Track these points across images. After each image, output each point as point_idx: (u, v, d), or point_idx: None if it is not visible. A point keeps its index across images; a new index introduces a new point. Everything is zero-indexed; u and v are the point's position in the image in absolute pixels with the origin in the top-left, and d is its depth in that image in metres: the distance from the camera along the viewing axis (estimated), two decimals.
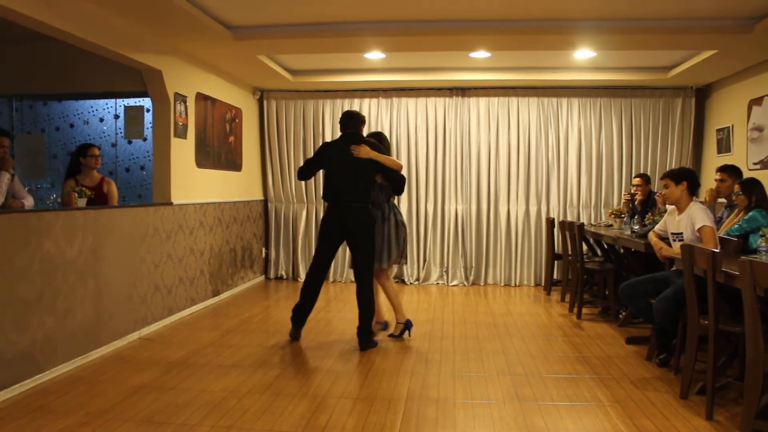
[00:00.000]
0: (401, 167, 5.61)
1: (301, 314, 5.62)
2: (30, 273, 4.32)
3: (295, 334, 5.66)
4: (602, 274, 6.92)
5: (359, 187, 5.45)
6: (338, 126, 5.75)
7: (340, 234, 5.53)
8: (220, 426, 3.63)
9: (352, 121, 5.62)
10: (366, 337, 5.40)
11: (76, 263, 4.83)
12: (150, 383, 4.40)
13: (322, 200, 5.59)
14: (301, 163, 5.99)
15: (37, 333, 4.37)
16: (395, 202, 5.92)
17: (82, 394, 4.16)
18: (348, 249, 5.66)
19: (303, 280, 5.71)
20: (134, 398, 4.08)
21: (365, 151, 5.41)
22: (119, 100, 8.09)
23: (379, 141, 5.74)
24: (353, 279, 8.43)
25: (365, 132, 5.81)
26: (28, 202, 5.30)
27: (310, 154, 9.01)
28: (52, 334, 4.54)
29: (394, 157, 5.63)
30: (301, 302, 5.59)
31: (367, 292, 5.45)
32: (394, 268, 5.96)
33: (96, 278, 5.08)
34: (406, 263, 6.51)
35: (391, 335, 5.77)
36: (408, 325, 5.76)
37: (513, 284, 8.89)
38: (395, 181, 5.62)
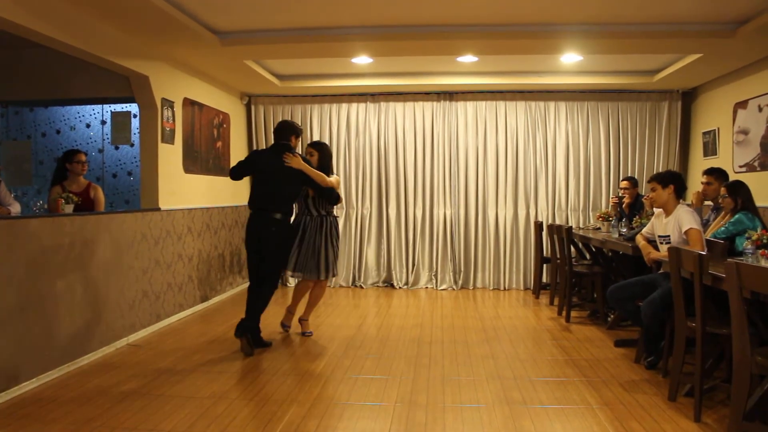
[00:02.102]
0: (330, 184, 5.59)
1: (249, 327, 5.38)
2: (16, 279, 4.29)
3: (250, 351, 5.33)
4: (590, 278, 6.95)
5: (283, 197, 5.48)
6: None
7: (259, 241, 5.47)
8: None
9: (284, 132, 5.63)
10: (242, 331, 5.30)
11: (63, 270, 4.79)
12: (138, 390, 4.37)
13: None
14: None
15: (24, 340, 4.34)
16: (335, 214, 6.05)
17: (69, 401, 4.13)
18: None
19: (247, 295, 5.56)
20: (122, 405, 4.05)
21: (297, 162, 5.46)
22: (106, 106, 8.06)
23: (320, 151, 5.85)
24: (341, 284, 8.44)
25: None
26: (15, 208, 5.27)
27: None
28: (40, 341, 4.50)
29: (333, 167, 5.63)
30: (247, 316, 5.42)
31: (266, 295, 5.46)
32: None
33: (83, 285, 5.05)
34: (333, 276, 6.04)
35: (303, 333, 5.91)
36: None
37: (502, 288, 8.90)
38: (325, 195, 5.68)
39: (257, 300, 5.39)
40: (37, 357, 4.49)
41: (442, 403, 4.14)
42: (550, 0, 5.28)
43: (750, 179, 5.93)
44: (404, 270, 9.06)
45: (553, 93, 8.84)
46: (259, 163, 5.58)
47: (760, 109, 6.70)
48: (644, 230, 5.24)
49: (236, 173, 5.67)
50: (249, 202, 5.60)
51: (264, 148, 6.42)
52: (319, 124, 9.05)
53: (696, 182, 7.69)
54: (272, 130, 9.03)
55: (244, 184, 9.04)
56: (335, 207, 5.69)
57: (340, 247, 5.72)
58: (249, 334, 5.31)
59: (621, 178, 8.30)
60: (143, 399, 4.18)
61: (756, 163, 6.78)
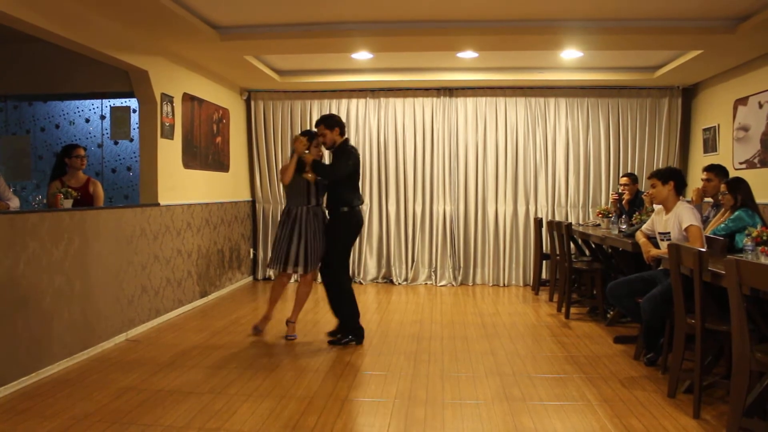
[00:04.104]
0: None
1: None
2: (15, 275, 4.28)
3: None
4: (590, 274, 6.94)
5: None
6: None
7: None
8: (207, 428, 3.61)
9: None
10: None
11: (62, 265, 4.79)
12: (137, 385, 4.37)
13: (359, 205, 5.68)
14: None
15: (22, 335, 4.34)
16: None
17: (68, 396, 4.13)
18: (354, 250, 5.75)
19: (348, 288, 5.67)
20: (121, 400, 4.05)
21: None
22: (105, 101, 8.04)
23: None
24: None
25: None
26: (14, 203, 5.26)
27: None
28: (38, 337, 4.50)
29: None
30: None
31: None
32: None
33: (82, 280, 5.04)
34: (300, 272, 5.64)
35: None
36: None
37: (501, 284, 8.90)
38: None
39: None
40: (36, 352, 4.48)
41: (441, 399, 4.14)
42: None
43: (750, 176, 5.92)
44: (404, 266, 9.06)
45: (553, 89, 8.83)
46: (358, 160, 5.72)
47: (761, 106, 6.70)
48: (644, 227, 5.23)
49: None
50: (353, 200, 5.58)
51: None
52: None
53: (696, 179, 7.68)
54: (285, 125, 9.08)
55: (243, 180, 9.03)
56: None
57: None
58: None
59: (621, 175, 8.29)
60: (142, 394, 4.18)
61: (756, 160, 6.78)
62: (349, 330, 5.57)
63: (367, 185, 9.05)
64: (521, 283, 8.91)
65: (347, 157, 5.57)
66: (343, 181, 5.55)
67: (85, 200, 5.64)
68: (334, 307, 5.66)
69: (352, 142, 8.91)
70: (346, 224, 5.56)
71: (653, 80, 8.23)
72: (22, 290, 4.35)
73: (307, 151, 5.58)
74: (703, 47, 6.51)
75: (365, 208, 9.00)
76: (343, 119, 8.89)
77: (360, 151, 8.86)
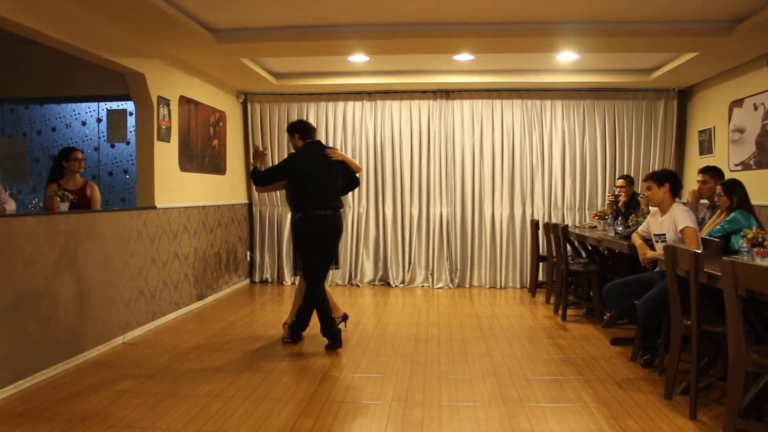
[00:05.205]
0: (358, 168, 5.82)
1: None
2: (12, 277, 4.28)
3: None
4: (586, 276, 6.95)
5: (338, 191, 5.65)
6: (323, 128, 5.75)
7: (330, 241, 5.57)
8: (204, 430, 3.61)
9: (313, 130, 5.74)
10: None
11: (59, 268, 4.78)
12: (133, 388, 4.36)
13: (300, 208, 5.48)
14: None
15: (19, 338, 4.33)
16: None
17: (64, 399, 4.12)
18: (327, 253, 5.58)
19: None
20: (117, 403, 4.05)
21: (339, 154, 5.59)
22: (102, 104, 8.04)
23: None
24: (338, 282, 8.44)
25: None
26: (10, 206, 5.26)
27: None
28: (35, 339, 4.49)
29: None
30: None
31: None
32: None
33: (79, 283, 5.04)
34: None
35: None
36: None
37: (498, 286, 8.91)
38: (356, 183, 5.85)
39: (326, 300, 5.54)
40: (33, 355, 4.48)
41: (438, 401, 4.14)
42: None
43: (745, 177, 5.93)
44: (400, 268, 9.06)
45: (549, 91, 8.84)
46: (301, 165, 5.46)
47: (756, 108, 6.72)
48: (640, 229, 5.25)
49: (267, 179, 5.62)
50: (303, 206, 5.42)
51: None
52: (316, 122, 9.02)
53: (692, 181, 7.69)
54: (282, 128, 9.04)
55: (240, 183, 9.03)
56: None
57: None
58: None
59: (617, 177, 8.31)
60: (139, 397, 4.17)
61: (751, 162, 6.80)
62: (328, 333, 5.52)
63: (364, 188, 9.05)
64: (518, 285, 8.91)
65: (279, 164, 5.69)
66: (291, 187, 5.57)
67: (81, 203, 5.64)
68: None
69: (348, 145, 8.97)
70: (296, 230, 5.56)
71: (649, 82, 8.25)
72: (18, 293, 4.34)
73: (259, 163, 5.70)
74: (699, 49, 6.53)
75: (362, 210, 9.02)
76: (340, 122, 8.99)
77: (357, 154, 8.93)
